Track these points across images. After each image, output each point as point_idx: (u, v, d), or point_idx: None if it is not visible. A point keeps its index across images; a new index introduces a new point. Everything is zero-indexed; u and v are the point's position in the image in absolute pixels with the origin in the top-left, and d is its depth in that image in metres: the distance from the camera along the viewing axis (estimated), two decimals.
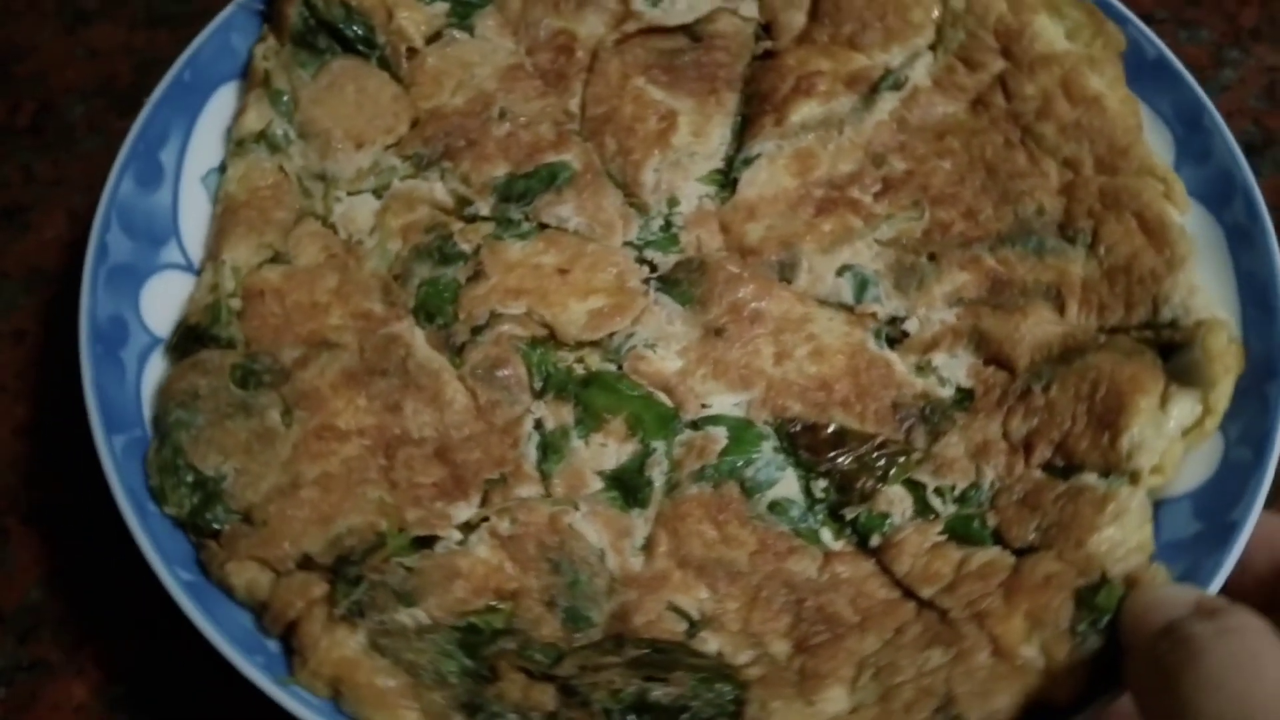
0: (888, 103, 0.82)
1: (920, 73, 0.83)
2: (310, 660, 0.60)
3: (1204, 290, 0.70)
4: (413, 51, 0.86)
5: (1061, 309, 0.73)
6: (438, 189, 0.82)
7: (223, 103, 0.86)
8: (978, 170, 0.78)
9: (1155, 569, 0.62)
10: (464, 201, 0.81)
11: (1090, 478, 0.66)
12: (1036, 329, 0.71)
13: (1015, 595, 0.61)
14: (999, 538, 0.66)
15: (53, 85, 1.02)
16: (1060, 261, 0.74)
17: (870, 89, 0.83)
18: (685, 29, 0.87)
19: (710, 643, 0.63)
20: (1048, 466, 0.68)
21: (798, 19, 0.85)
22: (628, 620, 0.64)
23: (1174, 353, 0.70)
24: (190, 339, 0.74)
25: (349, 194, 0.83)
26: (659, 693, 0.59)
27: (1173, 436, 0.65)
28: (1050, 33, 0.80)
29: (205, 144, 0.84)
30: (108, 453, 0.68)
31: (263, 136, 0.83)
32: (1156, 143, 0.77)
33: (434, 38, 0.87)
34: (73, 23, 1.05)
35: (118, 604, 0.78)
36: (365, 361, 0.75)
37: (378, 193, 0.83)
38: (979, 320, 0.72)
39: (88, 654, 0.78)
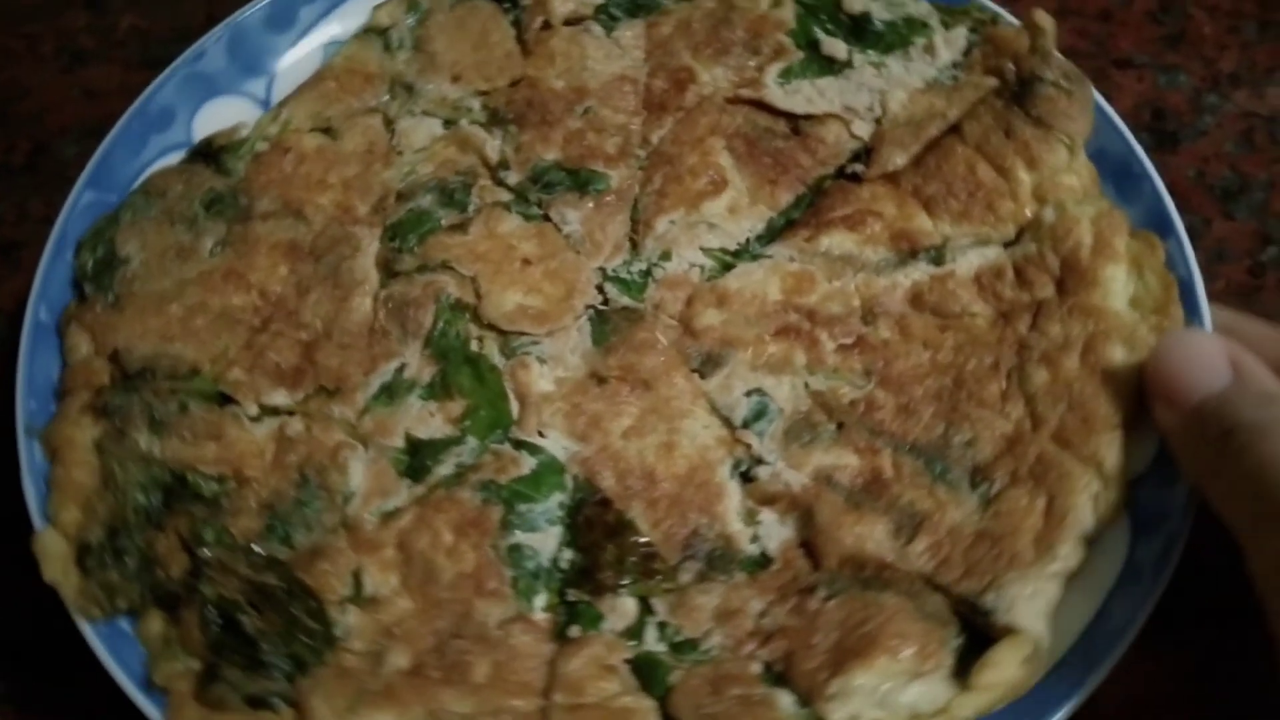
0: (918, 272, 0.83)
1: (969, 262, 0.82)
2: (51, 425, 0.71)
3: (1045, 603, 0.64)
4: (548, 25, 0.95)
5: (910, 539, 0.69)
6: (493, 145, 0.92)
7: None
8: (947, 375, 0.77)
9: None
10: (504, 164, 0.90)
11: (785, 698, 0.65)
12: (860, 541, 0.69)
13: None
14: (666, 696, 0.65)
15: (48, 125, 1.13)
16: (949, 498, 0.72)
17: (910, 252, 0.82)
18: (792, 118, 0.90)
19: (349, 616, 0.69)
20: (767, 666, 0.65)
21: (898, 159, 0.87)
22: (314, 561, 0.70)
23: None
24: (204, 153, 0.90)
25: (423, 113, 0.93)
26: (247, 619, 0.64)
27: (895, 711, 0.62)
28: (1115, 288, 0.78)
29: (350, 20, 0.97)
30: (72, 198, 0.82)
31: (384, 33, 0.96)
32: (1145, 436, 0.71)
33: (574, 21, 0.95)
34: (70, 64, 1.17)
35: None
36: (314, 243, 0.86)
37: (447, 123, 0.93)
38: (819, 502, 0.71)
39: None
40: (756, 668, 0.67)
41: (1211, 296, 0.78)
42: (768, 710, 0.64)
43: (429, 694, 0.65)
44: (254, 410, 0.79)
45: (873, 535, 0.70)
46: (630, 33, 0.97)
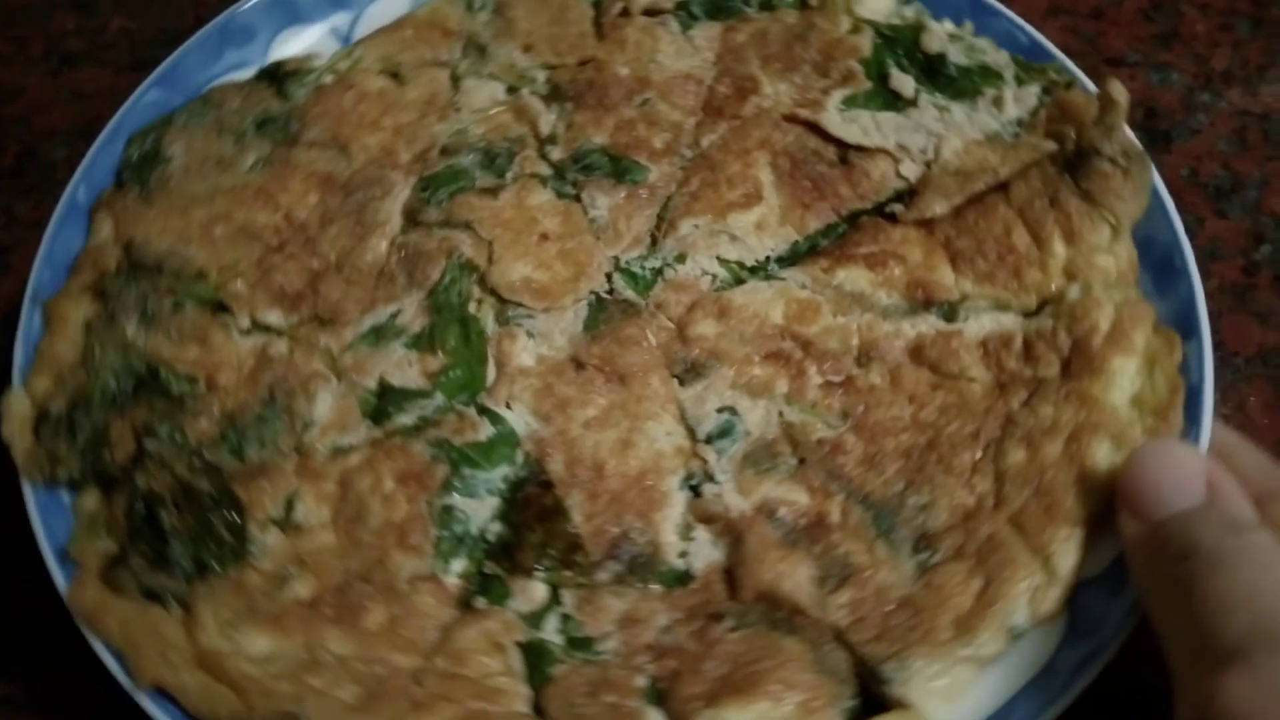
0: (925, 325, 0.79)
1: (981, 324, 0.78)
2: (54, 296, 0.73)
3: (947, 685, 0.61)
4: (626, 12, 0.94)
5: (834, 590, 0.66)
6: (547, 119, 0.92)
7: None
8: (923, 435, 0.74)
9: None
10: (552, 139, 0.89)
11: (655, 716, 0.61)
12: (779, 579, 0.67)
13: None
14: (544, 687, 0.63)
15: (36, 128, 1.10)
16: (886, 558, 0.69)
17: (924, 303, 0.79)
18: (843, 146, 0.86)
19: (269, 536, 0.70)
20: (652, 681, 0.63)
21: (938, 207, 0.84)
22: (255, 477, 0.71)
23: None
24: (272, 74, 0.91)
25: (489, 75, 0.93)
26: (166, 515, 0.64)
27: None
28: (1121, 382, 0.74)
29: None
30: (136, 95, 0.85)
31: None
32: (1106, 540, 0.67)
33: (653, 12, 0.94)
34: (58, 66, 1.14)
35: None
36: (350, 179, 0.87)
37: (510, 90, 0.93)
38: (750, 532, 0.68)
39: None
40: (641, 681, 0.65)
41: (1205, 295, 0.76)
42: None
43: (314, 628, 0.65)
44: (245, 324, 0.79)
45: (793, 576, 0.67)
46: (706, 34, 0.95)
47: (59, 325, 0.76)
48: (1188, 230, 0.79)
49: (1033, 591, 0.66)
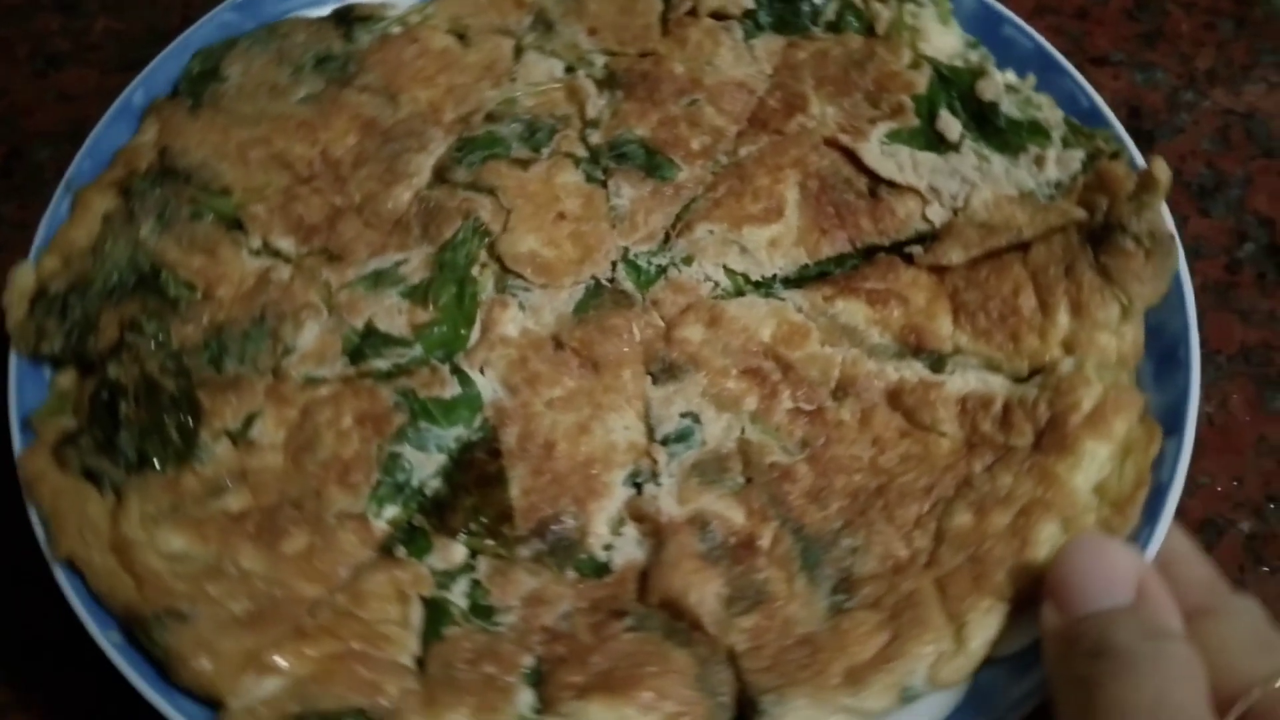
0: (909, 371, 0.77)
1: (965, 380, 0.76)
2: (83, 186, 0.76)
3: None
4: (694, 12, 0.93)
5: (742, 613, 0.65)
6: (596, 103, 0.92)
7: None
8: (876, 479, 0.72)
9: None
10: (595, 123, 0.89)
11: (527, 697, 0.63)
12: (685, 590, 0.65)
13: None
14: (435, 643, 0.63)
15: (22, 129, 1.07)
16: (804, 593, 0.68)
17: (914, 349, 0.76)
18: (876, 179, 0.84)
19: (219, 446, 0.71)
20: (538, 661, 0.63)
21: (957, 256, 0.81)
22: (225, 389, 0.72)
23: None
24: (343, 16, 0.93)
25: (551, 52, 0.94)
26: (125, 404, 0.66)
27: None
28: (1088, 466, 0.71)
29: None
30: (211, 14, 0.88)
31: None
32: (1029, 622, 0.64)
33: (720, 16, 0.93)
34: (44, 67, 1.12)
35: None
36: (391, 127, 0.88)
37: (569, 69, 0.92)
38: (672, 539, 0.67)
39: None
40: (528, 660, 0.64)
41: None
42: (502, 699, 0.61)
43: (231, 541, 0.66)
44: (257, 244, 0.81)
45: (701, 590, 0.66)
46: (767, 46, 0.93)
47: (81, 213, 0.79)
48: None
49: (937, 656, 0.63)
